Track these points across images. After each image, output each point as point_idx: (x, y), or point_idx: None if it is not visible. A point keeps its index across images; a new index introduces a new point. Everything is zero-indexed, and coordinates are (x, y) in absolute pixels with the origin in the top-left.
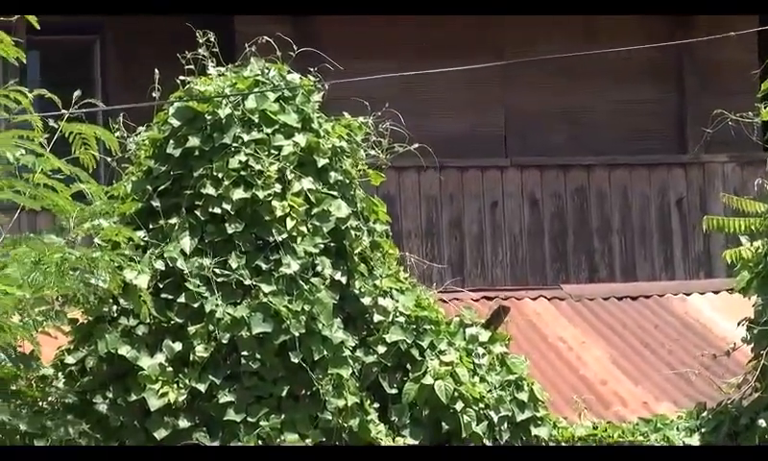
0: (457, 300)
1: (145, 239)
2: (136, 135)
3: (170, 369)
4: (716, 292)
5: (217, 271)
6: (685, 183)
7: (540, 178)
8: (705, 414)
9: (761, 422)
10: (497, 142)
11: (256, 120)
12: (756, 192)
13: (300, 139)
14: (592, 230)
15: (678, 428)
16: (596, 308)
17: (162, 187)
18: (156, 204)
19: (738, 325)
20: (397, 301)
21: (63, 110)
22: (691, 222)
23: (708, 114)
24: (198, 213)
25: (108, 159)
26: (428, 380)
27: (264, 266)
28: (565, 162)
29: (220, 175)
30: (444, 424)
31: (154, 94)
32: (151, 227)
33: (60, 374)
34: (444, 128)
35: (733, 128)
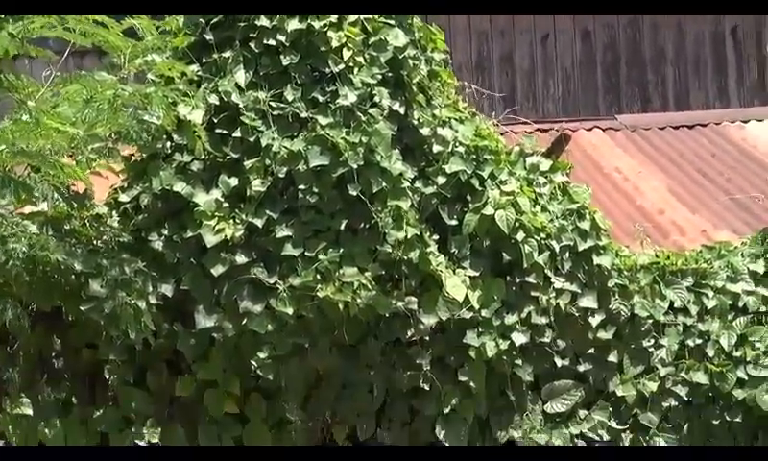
0: (513, 132)
1: (198, 73)
2: None
3: (226, 204)
4: None
5: (273, 104)
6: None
7: None
8: None
9: None
10: None
11: None
12: None
13: None
14: (646, 61)
15: (742, 255)
16: (652, 138)
17: (215, 20)
18: (208, 37)
19: None
20: (456, 131)
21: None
22: (746, 50)
23: None
24: (252, 45)
25: None
26: (489, 211)
27: (321, 98)
28: None
29: None
30: (504, 254)
31: None
32: (204, 61)
33: (114, 212)
34: None
35: None
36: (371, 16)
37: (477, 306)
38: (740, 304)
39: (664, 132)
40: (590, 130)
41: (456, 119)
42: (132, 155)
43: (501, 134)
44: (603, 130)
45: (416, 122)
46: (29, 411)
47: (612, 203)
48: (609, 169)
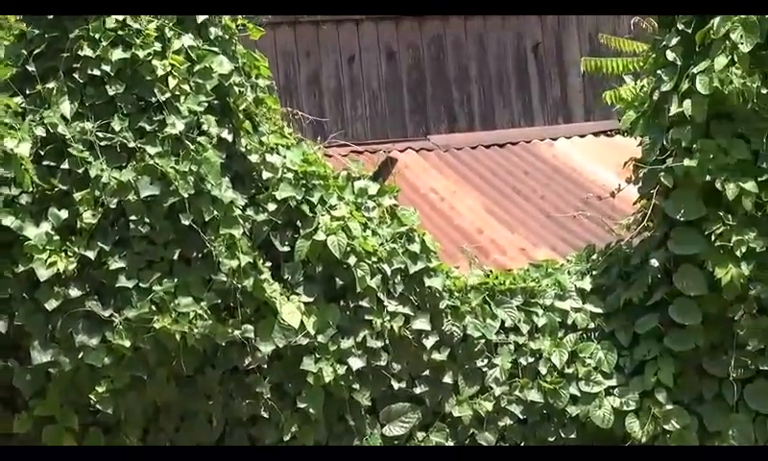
0: (327, 155)
1: (23, 105)
2: None
3: (57, 237)
4: (582, 136)
5: (100, 134)
6: (541, 29)
7: (395, 29)
8: (595, 256)
9: (653, 261)
10: None
11: None
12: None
13: None
14: (450, 80)
15: (569, 272)
16: (465, 157)
17: (37, 51)
18: (31, 68)
19: (624, 165)
20: (284, 157)
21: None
22: (548, 67)
23: None
24: (76, 76)
25: None
26: (320, 236)
27: (148, 127)
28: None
29: (97, 35)
30: (337, 279)
31: None
32: (28, 92)
33: None
34: None
35: None
36: (194, 44)
37: (313, 332)
38: (569, 322)
39: (476, 151)
40: (404, 150)
41: (283, 145)
42: None
43: (330, 156)
44: (416, 150)
45: (244, 149)
46: None
47: (430, 223)
48: (425, 189)
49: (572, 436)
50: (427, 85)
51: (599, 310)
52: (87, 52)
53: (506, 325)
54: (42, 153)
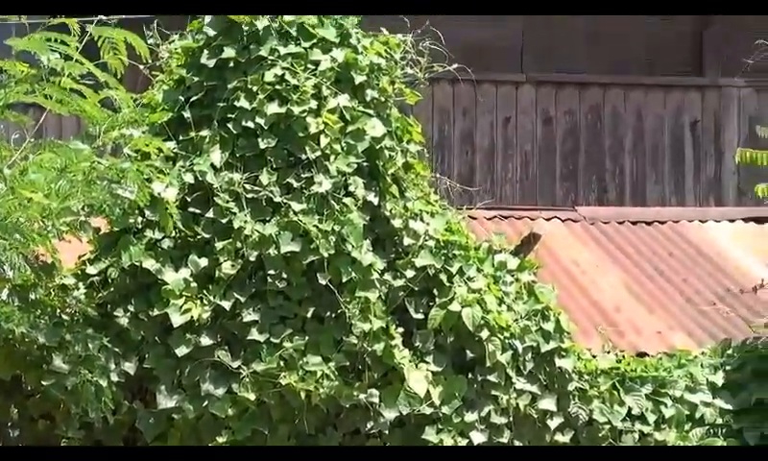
0: (471, 217)
1: (174, 150)
2: (170, 43)
3: (194, 284)
4: (731, 221)
5: (247, 186)
6: (701, 107)
7: (554, 94)
8: (730, 351)
9: None
10: (514, 57)
11: (294, 33)
12: None
13: (338, 55)
14: (605, 150)
15: (702, 365)
16: (610, 232)
17: (194, 98)
18: (187, 115)
19: None
20: (428, 224)
21: (100, 15)
22: (704, 146)
23: (725, 38)
24: (230, 126)
25: (141, 67)
26: (455, 307)
27: (295, 183)
28: (582, 80)
29: (254, 88)
30: (468, 351)
31: None
32: (181, 138)
33: (80, 284)
34: (462, 40)
35: (751, 52)
36: (349, 105)
37: (438, 402)
38: (697, 416)
39: (623, 226)
40: (550, 220)
41: (428, 212)
42: (100, 228)
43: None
44: (562, 220)
45: (388, 213)
46: None
47: (568, 296)
48: (566, 261)
49: None
50: (581, 153)
51: (729, 406)
52: (244, 103)
53: (633, 412)
54: (189, 199)
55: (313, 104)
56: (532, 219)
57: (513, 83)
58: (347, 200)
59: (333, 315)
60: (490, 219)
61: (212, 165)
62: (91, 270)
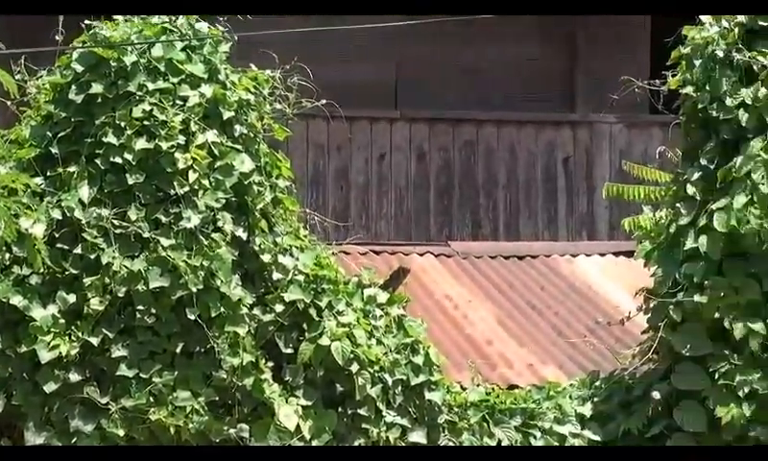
0: (344, 252)
1: (42, 187)
2: (38, 79)
3: (63, 321)
4: (602, 255)
5: (115, 222)
6: (573, 142)
7: (428, 131)
8: (598, 383)
9: (655, 393)
10: (388, 94)
11: (162, 69)
12: (651, 158)
13: (207, 90)
14: (478, 186)
15: (570, 397)
16: (483, 267)
17: (62, 134)
18: (54, 150)
19: (636, 294)
20: (297, 259)
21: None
22: (576, 182)
23: (596, 74)
24: (98, 162)
25: (8, 102)
26: (325, 341)
27: (164, 219)
28: (456, 116)
29: (122, 123)
30: (338, 385)
31: (57, 37)
32: (49, 174)
33: None
34: (336, 77)
35: (621, 89)
36: (218, 140)
37: (308, 436)
38: (566, 446)
39: (495, 261)
40: (423, 255)
41: (297, 247)
42: None
43: (348, 253)
44: (435, 255)
45: (257, 248)
46: None
47: (441, 330)
48: (439, 296)
49: None
50: (455, 189)
51: (597, 438)
52: (112, 139)
53: (503, 444)
54: (57, 235)
55: (181, 139)
56: (405, 254)
57: (387, 119)
58: (215, 235)
59: (202, 350)
60: (363, 254)
61: (80, 201)
62: None
